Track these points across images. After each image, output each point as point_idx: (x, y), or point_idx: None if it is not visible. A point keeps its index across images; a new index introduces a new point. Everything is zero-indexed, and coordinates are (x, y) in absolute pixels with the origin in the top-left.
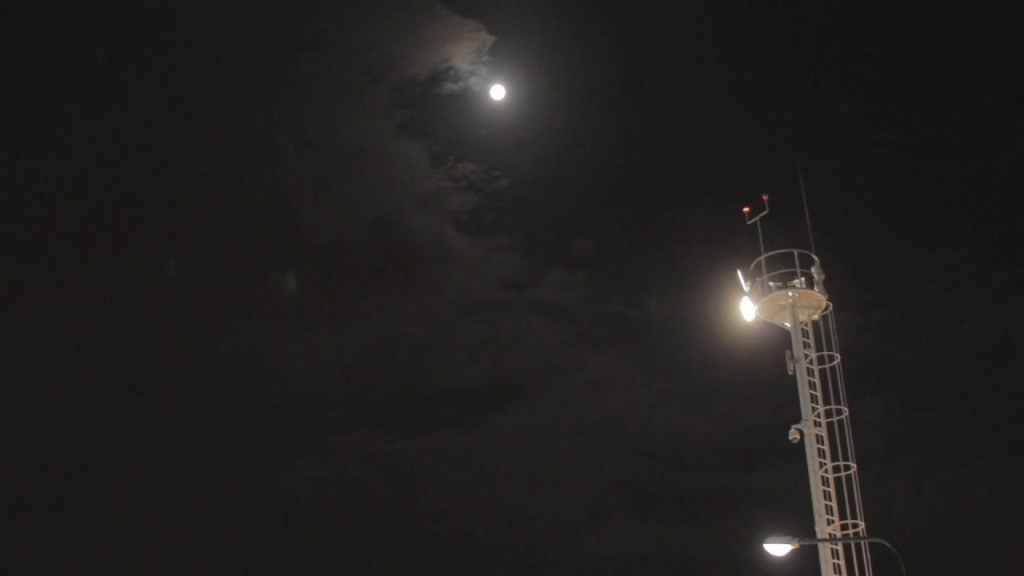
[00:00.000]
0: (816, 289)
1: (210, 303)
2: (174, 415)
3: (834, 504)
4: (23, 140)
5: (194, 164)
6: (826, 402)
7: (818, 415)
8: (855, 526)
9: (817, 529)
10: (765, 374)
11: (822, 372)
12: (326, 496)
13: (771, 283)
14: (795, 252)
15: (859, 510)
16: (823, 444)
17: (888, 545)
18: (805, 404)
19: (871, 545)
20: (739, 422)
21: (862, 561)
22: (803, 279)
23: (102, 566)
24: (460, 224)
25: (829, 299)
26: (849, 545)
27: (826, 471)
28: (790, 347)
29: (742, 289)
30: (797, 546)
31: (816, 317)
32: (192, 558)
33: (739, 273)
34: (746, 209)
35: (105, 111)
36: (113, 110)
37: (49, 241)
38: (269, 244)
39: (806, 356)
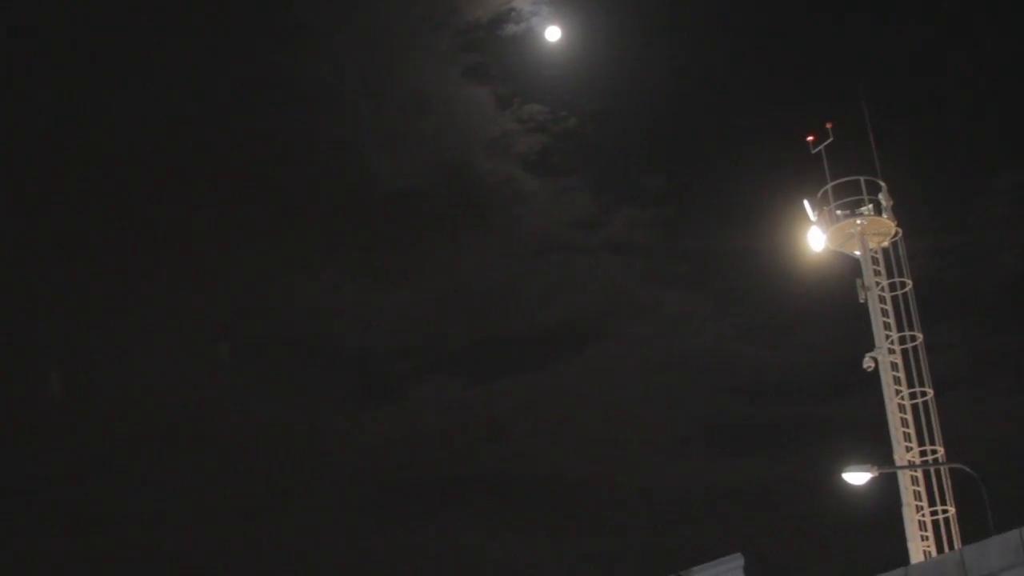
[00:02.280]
0: (884, 216)
1: (284, 258)
2: (252, 371)
3: (912, 431)
4: (95, 102)
5: (262, 120)
6: (899, 329)
7: (892, 342)
8: (934, 452)
9: (895, 456)
10: (838, 303)
11: (895, 299)
12: (408, 445)
13: (838, 212)
14: (861, 179)
15: (937, 436)
16: (898, 371)
17: (968, 470)
18: (878, 332)
19: (951, 470)
20: (814, 352)
21: (942, 487)
22: (871, 206)
23: (188, 522)
24: (529, 166)
25: (898, 225)
26: (928, 471)
27: (902, 398)
28: (861, 275)
29: (810, 219)
30: (876, 474)
31: (886, 244)
32: (277, 512)
33: (806, 203)
34: (810, 138)
35: (171, 70)
36: (179, 69)
37: (120, 199)
38: (340, 196)
39: (877, 284)
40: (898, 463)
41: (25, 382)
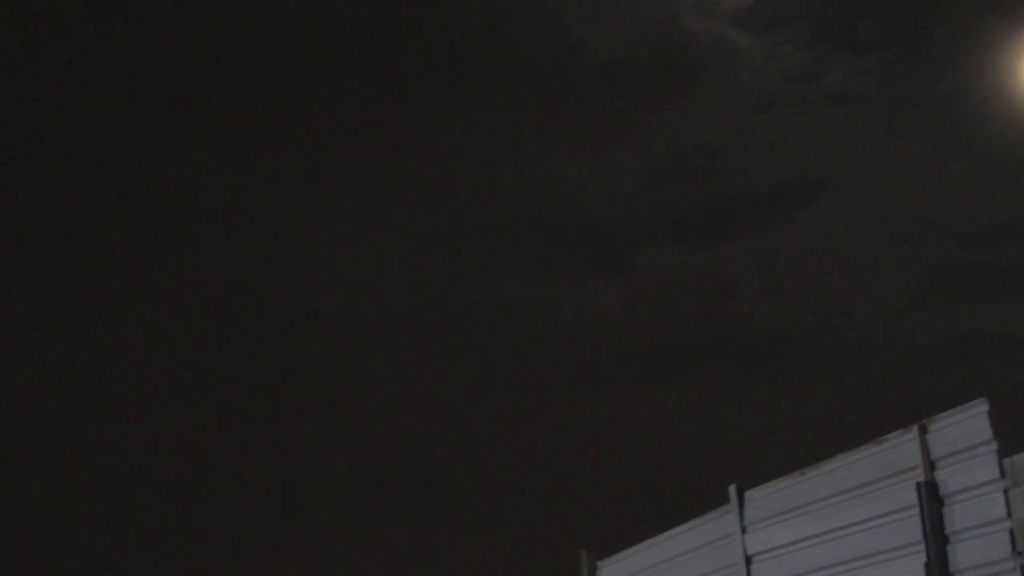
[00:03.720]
0: None
1: (499, 134)
2: (478, 251)
3: None
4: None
5: None
6: None
7: None
8: None
9: None
10: None
11: None
12: (636, 314)
13: None
14: None
15: None
16: None
17: None
18: None
19: None
20: None
21: None
22: None
23: (424, 396)
24: (740, 22)
25: None
26: None
27: None
28: None
29: None
30: None
31: None
32: (514, 383)
33: None
34: None
35: None
36: None
37: (348, 80)
38: (550, 68)
39: None
40: None
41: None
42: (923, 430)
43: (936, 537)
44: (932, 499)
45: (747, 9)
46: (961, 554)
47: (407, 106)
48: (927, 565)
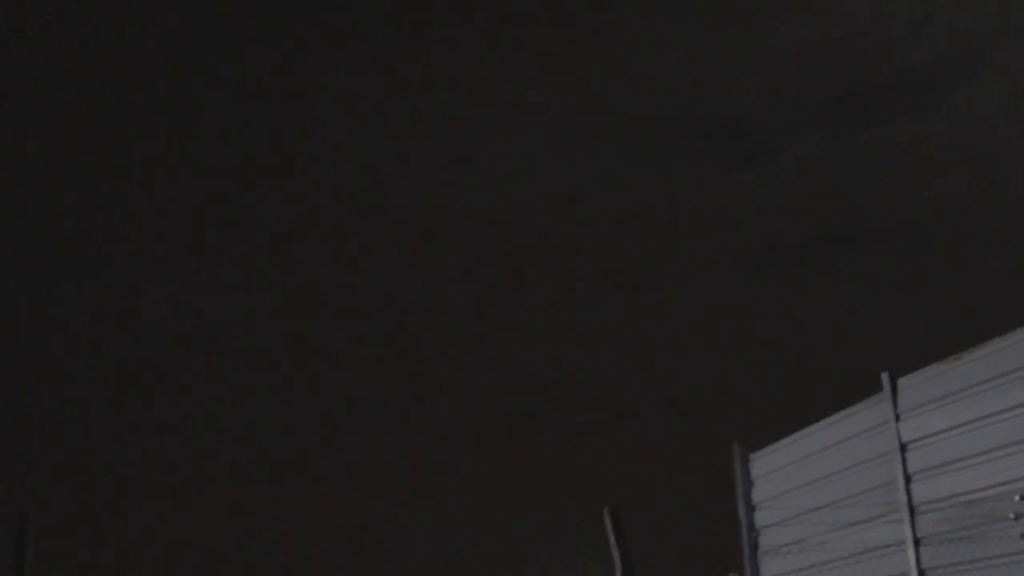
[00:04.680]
0: None
1: (639, 33)
2: (619, 149)
3: None
4: None
5: None
6: None
7: None
8: None
9: None
10: None
11: None
12: (778, 206)
13: None
14: None
15: None
16: None
17: None
18: None
19: None
20: None
21: None
22: None
23: (582, 291)
24: None
25: None
26: None
27: None
28: None
29: None
30: None
31: None
32: (658, 281)
33: None
34: None
35: None
36: None
37: None
38: None
39: None
40: None
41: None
42: None
43: None
44: None
45: None
46: None
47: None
48: None
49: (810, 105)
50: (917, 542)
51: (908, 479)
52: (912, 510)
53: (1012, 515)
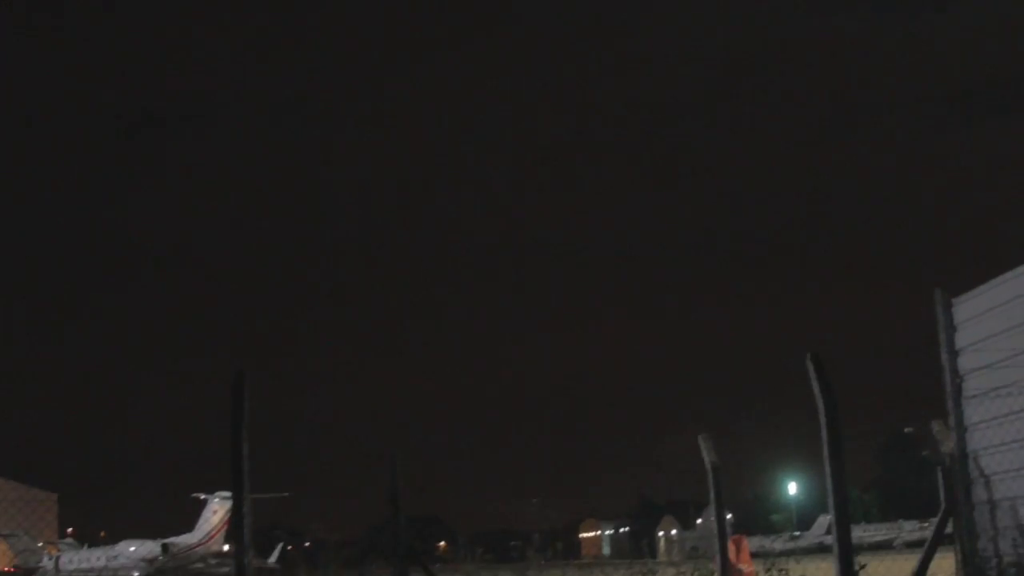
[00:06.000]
0: None
1: None
2: None
3: None
4: None
5: None
6: None
7: None
8: None
9: None
10: None
11: None
12: (974, 47)
13: None
14: None
15: None
16: None
17: None
18: None
19: None
20: None
21: None
22: None
23: (783, 135)
24: None
25: None
26: None
27: None
28: None
29: None
30: None
31: None
32: (855, 124)
33: None
34: None
35: None
36: None
37: None
38: None
39: None
40: None
41: None
42: None
43: None
44: None
45: None
46: None
47: None
48: None
49: None
50: None
51: None
52: None
53: None
